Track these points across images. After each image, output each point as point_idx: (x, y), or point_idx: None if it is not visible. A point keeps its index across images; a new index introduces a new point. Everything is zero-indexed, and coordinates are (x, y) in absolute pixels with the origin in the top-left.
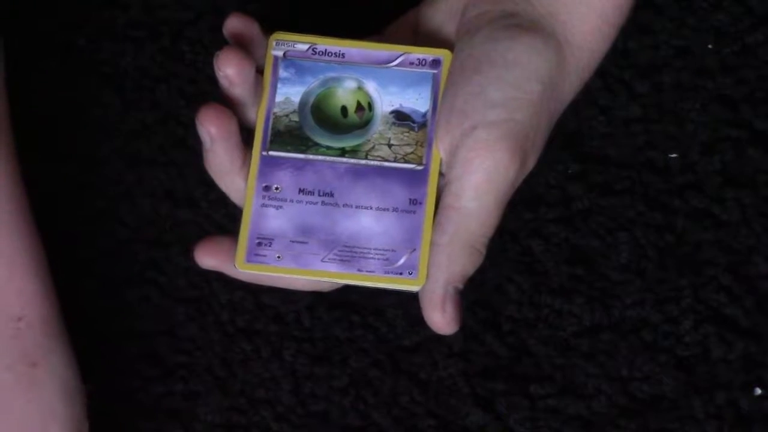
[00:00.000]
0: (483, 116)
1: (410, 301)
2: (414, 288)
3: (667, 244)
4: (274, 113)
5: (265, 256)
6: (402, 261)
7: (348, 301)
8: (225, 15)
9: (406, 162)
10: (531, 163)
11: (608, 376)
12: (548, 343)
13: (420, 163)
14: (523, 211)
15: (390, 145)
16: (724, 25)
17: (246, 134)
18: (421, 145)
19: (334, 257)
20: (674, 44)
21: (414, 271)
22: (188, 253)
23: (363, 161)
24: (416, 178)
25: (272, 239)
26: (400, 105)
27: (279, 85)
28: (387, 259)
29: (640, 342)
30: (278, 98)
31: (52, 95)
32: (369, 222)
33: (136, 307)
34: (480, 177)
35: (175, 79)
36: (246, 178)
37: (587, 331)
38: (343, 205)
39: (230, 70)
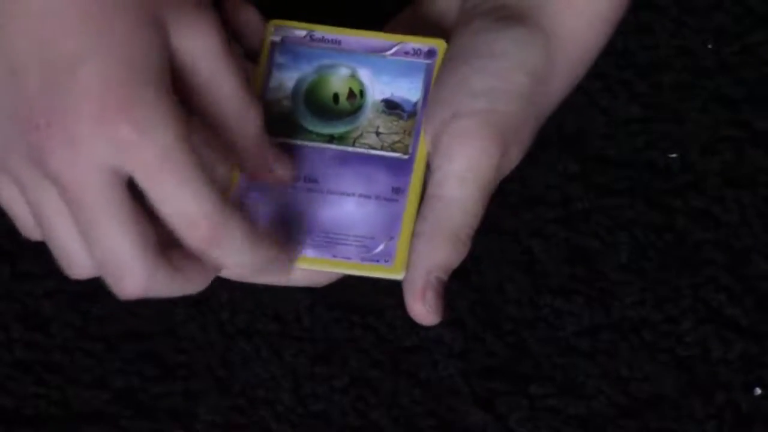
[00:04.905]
0: (465, 105)
1: None
2: (393, 276)
3: (667, 244)
4: (267, 98)
5: None
6: (379, 249)
7: (348, 301)
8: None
9: (392, 150)
10: (515, 156)
11: (608, 376)
12: (548, 343)
13: (406, 152)
14: (523, 211)
15: (378, 133)
16: (724, 25)
17: None
18: (409, 135)
19: (312, 242)
20: (674, 44)
21: (390, 259)
22: None
23: (350, 148)
24: (401, 167)
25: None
26: (392, 94)
27: (274, 71)
28: (365, 246)
29: (640, 342)
30: (272, 83)
31: None
32: (351, 209)
33: (136, 307)
34: (462, 165)
35: None
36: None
37: (587, 331)
38: (327, 192)
39: None
